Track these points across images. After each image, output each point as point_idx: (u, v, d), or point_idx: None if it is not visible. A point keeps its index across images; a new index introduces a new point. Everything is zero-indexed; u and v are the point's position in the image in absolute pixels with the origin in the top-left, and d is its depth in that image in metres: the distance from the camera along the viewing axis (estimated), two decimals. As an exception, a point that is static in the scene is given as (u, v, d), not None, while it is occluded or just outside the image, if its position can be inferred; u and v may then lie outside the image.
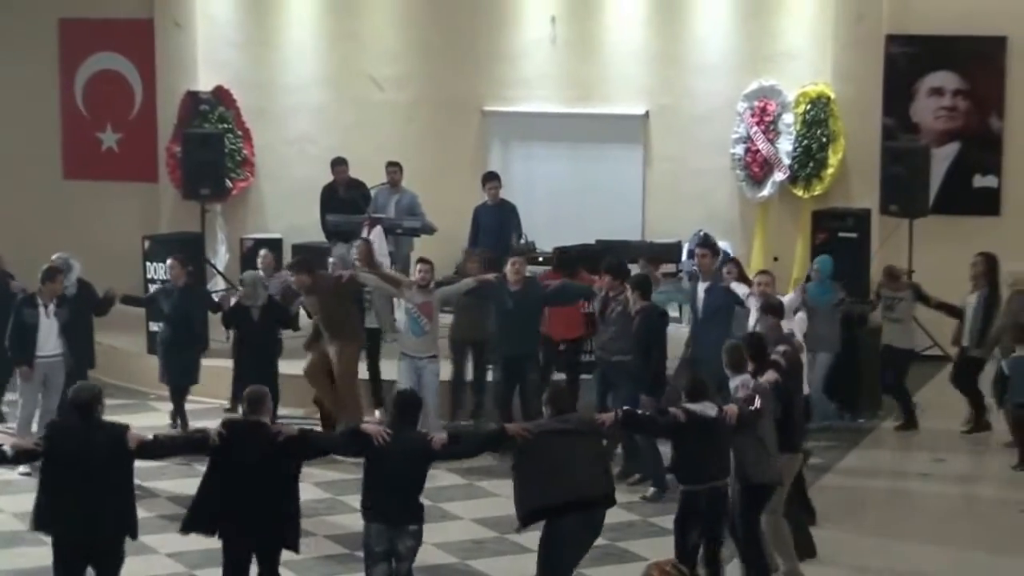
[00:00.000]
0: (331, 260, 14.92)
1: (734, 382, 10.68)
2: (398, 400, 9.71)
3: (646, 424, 10.27)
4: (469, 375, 14.61)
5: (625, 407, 10.47)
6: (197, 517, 9.31)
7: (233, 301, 14.60)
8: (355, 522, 10.05)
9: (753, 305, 13.27)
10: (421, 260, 14.01)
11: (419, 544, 9.42)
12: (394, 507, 9.30)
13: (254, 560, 9.32)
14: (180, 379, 14.43)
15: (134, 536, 9.18)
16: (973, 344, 14.26)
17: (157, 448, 9.43)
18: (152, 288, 15.48)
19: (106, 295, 14.34)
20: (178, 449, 10.02)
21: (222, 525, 9.26)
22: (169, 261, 14.65)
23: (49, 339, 13.41)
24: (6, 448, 9.09)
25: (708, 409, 9.88)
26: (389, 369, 14.29)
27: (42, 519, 9.07)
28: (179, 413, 14.39)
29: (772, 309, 12.52)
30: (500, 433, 9.77)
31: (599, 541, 10.12)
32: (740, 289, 13.69)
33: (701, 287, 13.74)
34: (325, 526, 11.78)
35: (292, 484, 9.28)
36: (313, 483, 12.39)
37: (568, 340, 14.40)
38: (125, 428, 9.15)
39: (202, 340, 15.02)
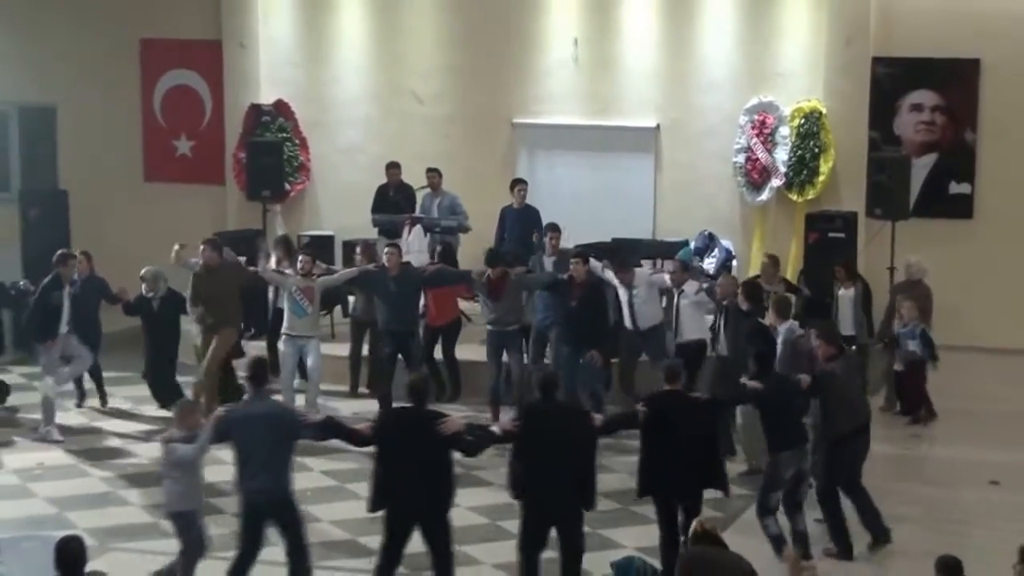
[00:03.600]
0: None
1: (783, 327, 12.11)
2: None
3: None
4: (364, 351, 15.58)
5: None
6: (644, 482, 10.20)
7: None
8: (358, 509, 10.41)
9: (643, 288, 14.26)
10: (302, 251, 14.97)
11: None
12: (786, 431, 10.55)
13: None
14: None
15: (591, 508, 9.73)
16: (864, 334, 14.88)
17: (612, 427, 10.27)
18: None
19: (116, 295, 15.03)
20: (620, 426, 10.47)
21: (669, 483, 10.07)
22: (76, 255, 14.69)
23: (66, 316, 14.22)
24: (494, 428, 9.99)
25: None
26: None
27: (517, 486, 9.65)
28: (99, 390, 15.18)
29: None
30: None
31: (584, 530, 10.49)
32: (608, 275, 14.40)
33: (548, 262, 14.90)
34: (330, 512, 11.92)
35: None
36: (321, 471, 12.82)
37: (444, 325, 15.20)
38: (588, 413, 10.04)
39: (96, 327, 15.04)
